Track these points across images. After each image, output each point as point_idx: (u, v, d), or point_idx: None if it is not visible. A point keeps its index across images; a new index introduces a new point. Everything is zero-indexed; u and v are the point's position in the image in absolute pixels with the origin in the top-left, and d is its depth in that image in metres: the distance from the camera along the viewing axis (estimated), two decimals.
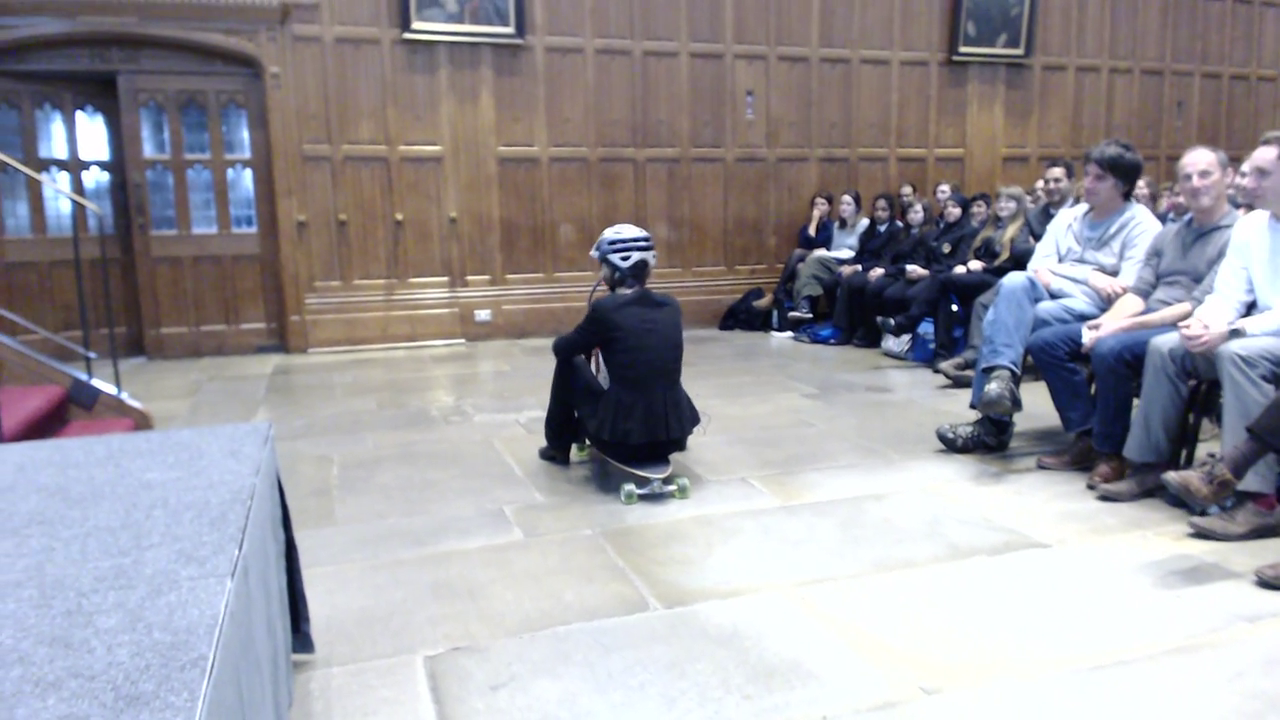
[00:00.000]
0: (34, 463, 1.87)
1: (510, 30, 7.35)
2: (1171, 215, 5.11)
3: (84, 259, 4.82)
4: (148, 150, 6.90)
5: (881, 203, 7.72)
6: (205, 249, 7.09)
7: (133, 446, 1.96)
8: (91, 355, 4.50)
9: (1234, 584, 2.68)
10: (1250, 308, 3.27)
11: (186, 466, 1.80)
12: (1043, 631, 2.40)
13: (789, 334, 7.70)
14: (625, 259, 3.64)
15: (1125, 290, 3.83)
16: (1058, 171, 5.78)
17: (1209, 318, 3.16)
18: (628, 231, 3.70)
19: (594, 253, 3.75)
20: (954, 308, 6.24)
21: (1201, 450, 3.66)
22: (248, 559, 1.40)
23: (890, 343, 6.70)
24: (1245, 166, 3.64)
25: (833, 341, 7.27)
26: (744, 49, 8.15)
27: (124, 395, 4.40)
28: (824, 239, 8.08)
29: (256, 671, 1.38)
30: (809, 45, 8.35)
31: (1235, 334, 3.08)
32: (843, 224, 8.04)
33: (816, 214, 8.20)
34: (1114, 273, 3.98)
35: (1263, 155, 3.18)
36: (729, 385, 5.68)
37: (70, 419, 4.24)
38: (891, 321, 6.52)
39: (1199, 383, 3.38)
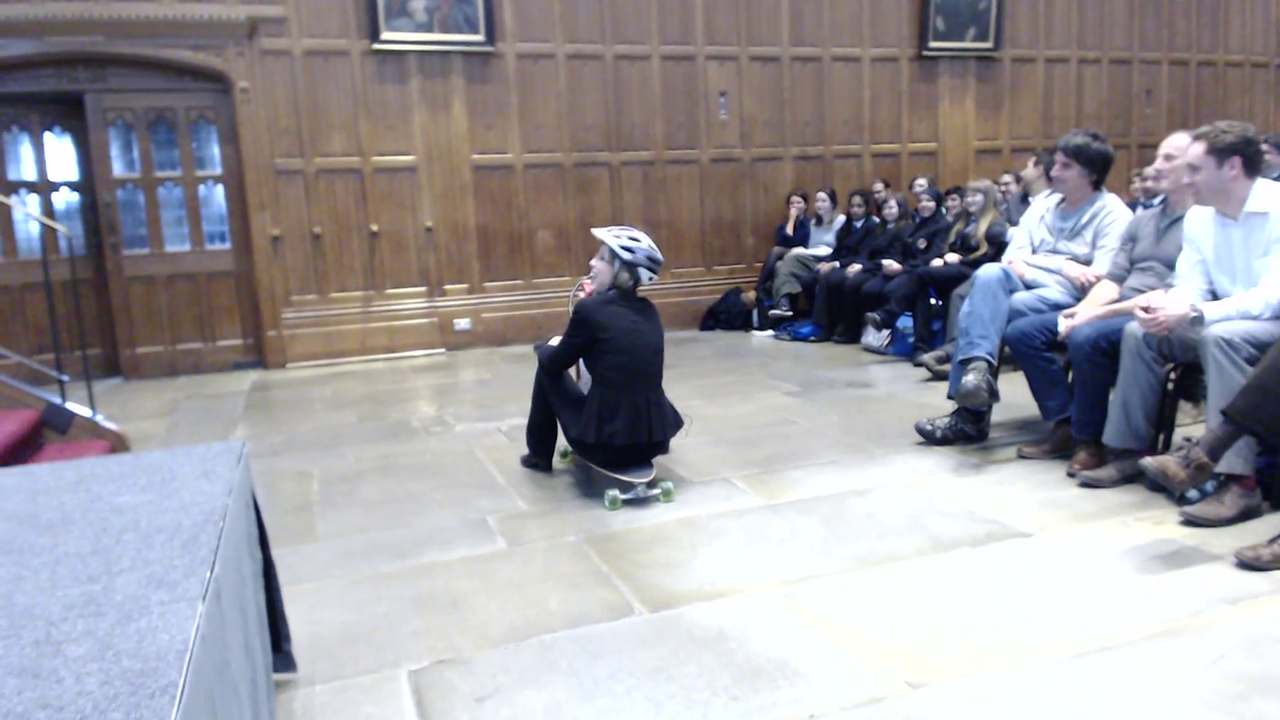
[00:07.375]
0: (2, 490, 1.84)
1: (480, 38, 7.33)
2: (1142, 200, 5.14)
3: (56, 281, 4.77)
4: (117, 169, 6.82)
5: (857, 199, 7.74)
6: (179, 267, 7.02)
7: (104, 470, 1.94)
8: (65, 378, 4.44)
9: (1214, 566, 2.70)
10: (1214, 297, 3.28)
11: (158, 489, 1.78)
12: (1027, 621, 2.41)
13: (769, 333, 7.71)
14: (650, 277, 3.64)
15: (1099, 278, 3.85)
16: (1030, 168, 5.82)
17: (1167, 299, 3.18)
18: (646, 248, 3.61)
19: (623, 252, 3.54)
20: (932, 301, 6.27)
21: (1179, 434, 3.69)
22: (220, 581, 1.38)
23: (871, 338, 6.72)
24: (1159, 163, 3.66)
25: (813, 339, 7.28)
26: (715, 50, 8.16)
27: (99, 417, 4.35)
28: (801, 237, 8.10)
29: (233, 694, 1.36)
30: (780, 45, 8.37)
31: (1197, 319, 3.09)
32: (819, 221, 8.06)
33: (793, 212, 8.21)
34: (1087, 262, 4.00)
35: (1193, 152, 3.17)
36: (711, 385, 5.68)
37: (45, 443, 4.18)
38: (878, 316, 6.53)
39: (1175, 366, 3.40)
